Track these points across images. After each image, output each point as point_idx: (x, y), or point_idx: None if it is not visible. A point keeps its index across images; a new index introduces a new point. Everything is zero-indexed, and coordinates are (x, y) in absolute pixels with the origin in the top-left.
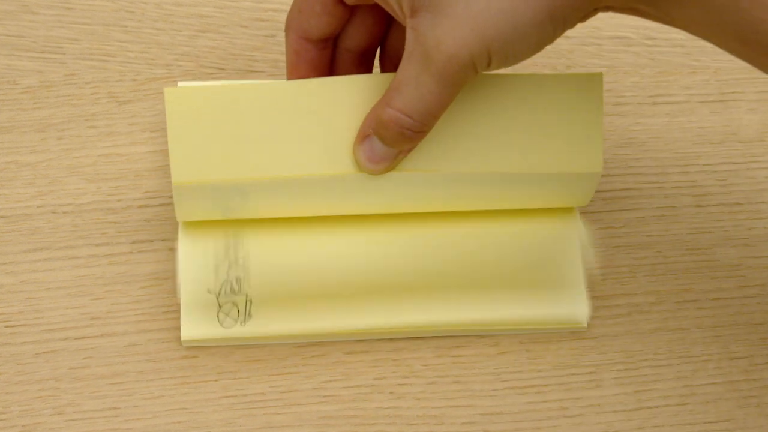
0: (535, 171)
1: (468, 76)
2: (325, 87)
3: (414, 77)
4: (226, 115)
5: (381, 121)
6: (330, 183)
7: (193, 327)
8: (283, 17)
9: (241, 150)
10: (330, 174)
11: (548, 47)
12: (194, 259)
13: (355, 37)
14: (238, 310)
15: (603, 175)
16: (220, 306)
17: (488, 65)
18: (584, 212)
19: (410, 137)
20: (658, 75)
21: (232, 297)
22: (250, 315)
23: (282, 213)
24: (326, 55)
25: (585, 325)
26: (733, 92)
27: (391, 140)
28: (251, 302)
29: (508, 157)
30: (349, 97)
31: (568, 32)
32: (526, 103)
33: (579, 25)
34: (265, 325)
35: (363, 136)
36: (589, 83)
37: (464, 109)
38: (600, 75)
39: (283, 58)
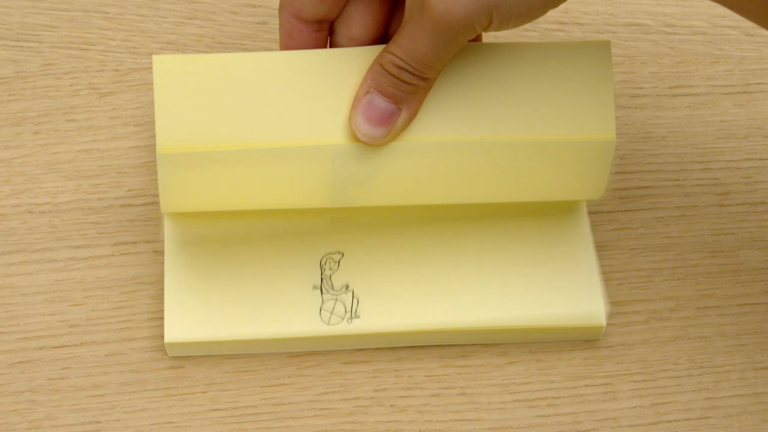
0: (543, 138)
1: (464, 33)
2: (321, 58)
3: (409, 32)
4: (216, 85)
5: (379, 65)
6: (326, 155)
7: (179, 329)
8: (276, 2)
9: (231, 119)
10: (326, 143)
11: (560, 36)
12: (181, 255)
13: (357, 22)
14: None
15: (618, 173)
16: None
17: (489, 24)
18: (599, 212)
19: (410, 83)
20: (677, 65)
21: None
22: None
23: (273, 197)
24: (321, 39)
25: (603, 324)
26: (758, 83)
27: (391, 86)
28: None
29: (515, 124)
30: (346, 69)
31: (582, 19)
32: (534, 71)
33: (593, 12)
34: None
35: (362, 95)
36: (597, 51)
37: (468, 77)
38: (608, 42)
39: (277, 47)
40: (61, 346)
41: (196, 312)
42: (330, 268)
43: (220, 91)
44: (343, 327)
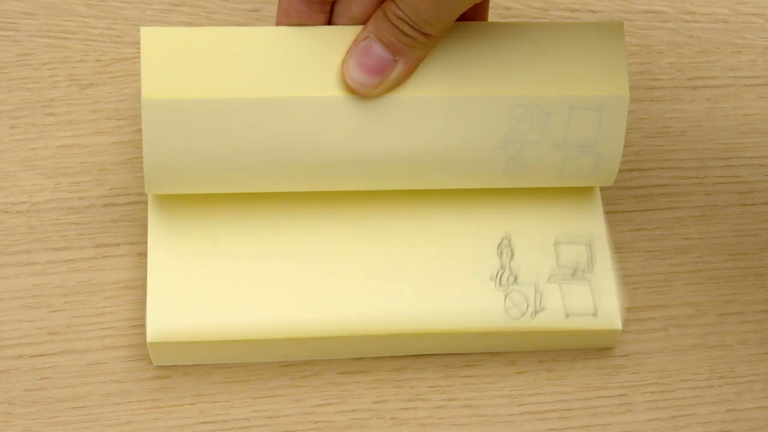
0: (551, 94)
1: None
2: (318, 33)
3: None
4: (206, 54)
5: (382, 12)
6: (316, 109)
7: (163, 327)
8: None
9: (223, 74)
10: (315, 95)
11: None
12: (167, 243)
13: (358, 3)
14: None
15: (634, 170)
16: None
17: None
18: (613, 212)
19: (410, 36)
20: (697, 55)
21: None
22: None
23: (266, 160)
24: (319, 20)
25: (619, 327)
26: None
27: (391, 35)
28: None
29: (521, 80)
30: (342, 46)
31: (595, 6)
32: (544, 39)
33: None
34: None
35: (360, 40)
36: (609, 28)
37: (476, 46)
38: (620, 23)
39: None
40: (40, 355)
41: (184, 309)
42: (506, 255)
43: (211, 59)
44: (526, 322)
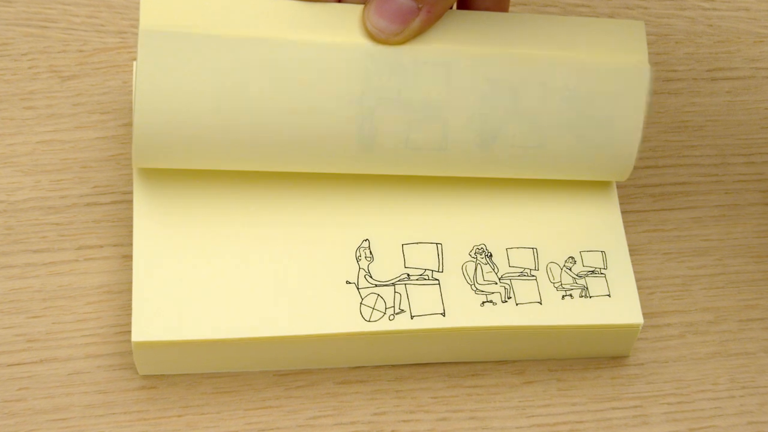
0: (571, 54)
1: None
2: (327, 10)
3: None
4: (210, 6)
5: None
6: (329, 57)
7: (150, 327)
8: None
9: (224, 20)
10: (330, 41)
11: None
12: (152, 240)
13: None
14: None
15: (650, 167)
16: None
17: None
18: (628, 211)
19: None
20: (717, 45)
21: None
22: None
23: (259, 109)
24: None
25: (640, 322)
26: None
27: None
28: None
29: (541, 38)
30: (352, 24)
31: None
32: (562, 24)
33: None
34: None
35: None
36: (630, 29)
37: (494, 27)
38: (641, 23)
39: None
40: (18, 364)
41: (171, 308)
42: (366, 258)
43: (217, 8)
44: (386, 323)
